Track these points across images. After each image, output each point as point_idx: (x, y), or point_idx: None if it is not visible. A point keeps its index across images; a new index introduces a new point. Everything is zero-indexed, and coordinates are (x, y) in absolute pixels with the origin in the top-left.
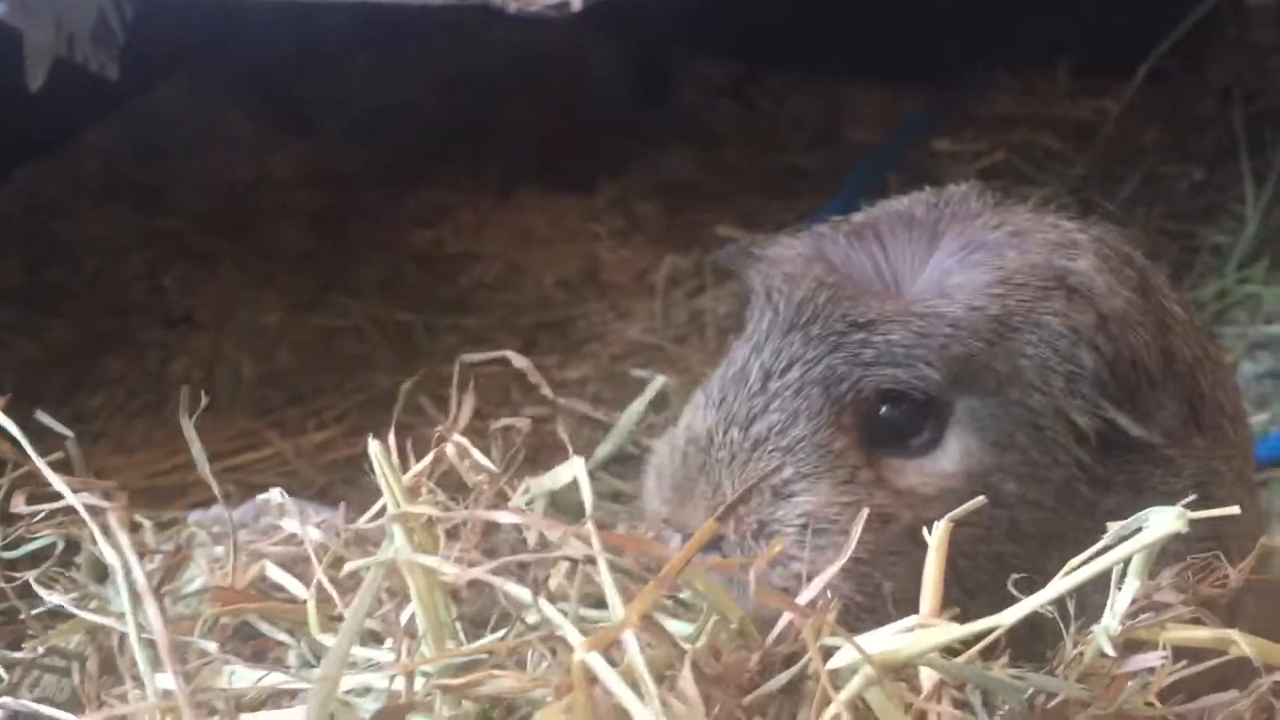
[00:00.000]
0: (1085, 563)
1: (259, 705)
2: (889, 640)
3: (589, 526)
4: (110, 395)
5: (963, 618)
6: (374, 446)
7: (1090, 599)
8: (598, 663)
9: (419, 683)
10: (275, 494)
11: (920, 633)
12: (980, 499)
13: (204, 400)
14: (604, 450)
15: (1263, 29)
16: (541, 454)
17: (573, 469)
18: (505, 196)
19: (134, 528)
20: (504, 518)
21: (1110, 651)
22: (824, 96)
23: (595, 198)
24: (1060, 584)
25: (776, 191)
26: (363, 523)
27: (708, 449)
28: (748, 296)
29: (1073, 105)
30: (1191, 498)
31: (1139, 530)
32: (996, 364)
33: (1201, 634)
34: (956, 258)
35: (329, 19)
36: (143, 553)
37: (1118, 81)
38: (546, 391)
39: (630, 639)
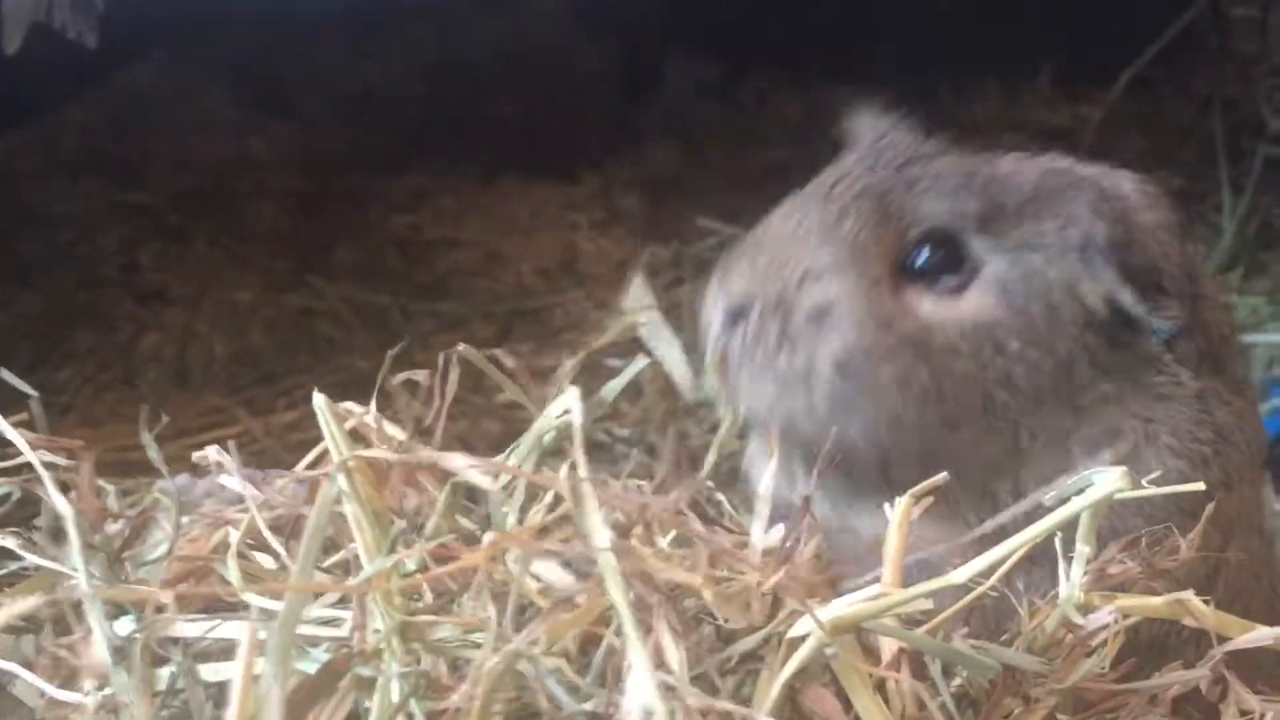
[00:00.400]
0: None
1: (215, 656)
2: (846, 606)
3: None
4: (79, 368)
5: (942, 454)
6: (318, 399)
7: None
8: (611, 566)
9: (370, 637)
10: (211, 451)
11: (877, 600)
12: (943, 475)
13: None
14: (585, 418)
15: (1245, 39)
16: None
17: (568, 399)
18: (486, 184)
19: (98, 493)
20: (456, 461)
21: (1079, 620)
22: (806, 96)
23: (577, 188)
24: (1009, 544)
25: (757, 187)
26: (302, 468)
27: (766, 232)
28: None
29: (1054, 111)
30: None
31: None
32: (1024, 227)
33: (1155, 601)
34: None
35: (312, 0)
36: (105, 516)
37: (1099, 89)
38: (523, 399)
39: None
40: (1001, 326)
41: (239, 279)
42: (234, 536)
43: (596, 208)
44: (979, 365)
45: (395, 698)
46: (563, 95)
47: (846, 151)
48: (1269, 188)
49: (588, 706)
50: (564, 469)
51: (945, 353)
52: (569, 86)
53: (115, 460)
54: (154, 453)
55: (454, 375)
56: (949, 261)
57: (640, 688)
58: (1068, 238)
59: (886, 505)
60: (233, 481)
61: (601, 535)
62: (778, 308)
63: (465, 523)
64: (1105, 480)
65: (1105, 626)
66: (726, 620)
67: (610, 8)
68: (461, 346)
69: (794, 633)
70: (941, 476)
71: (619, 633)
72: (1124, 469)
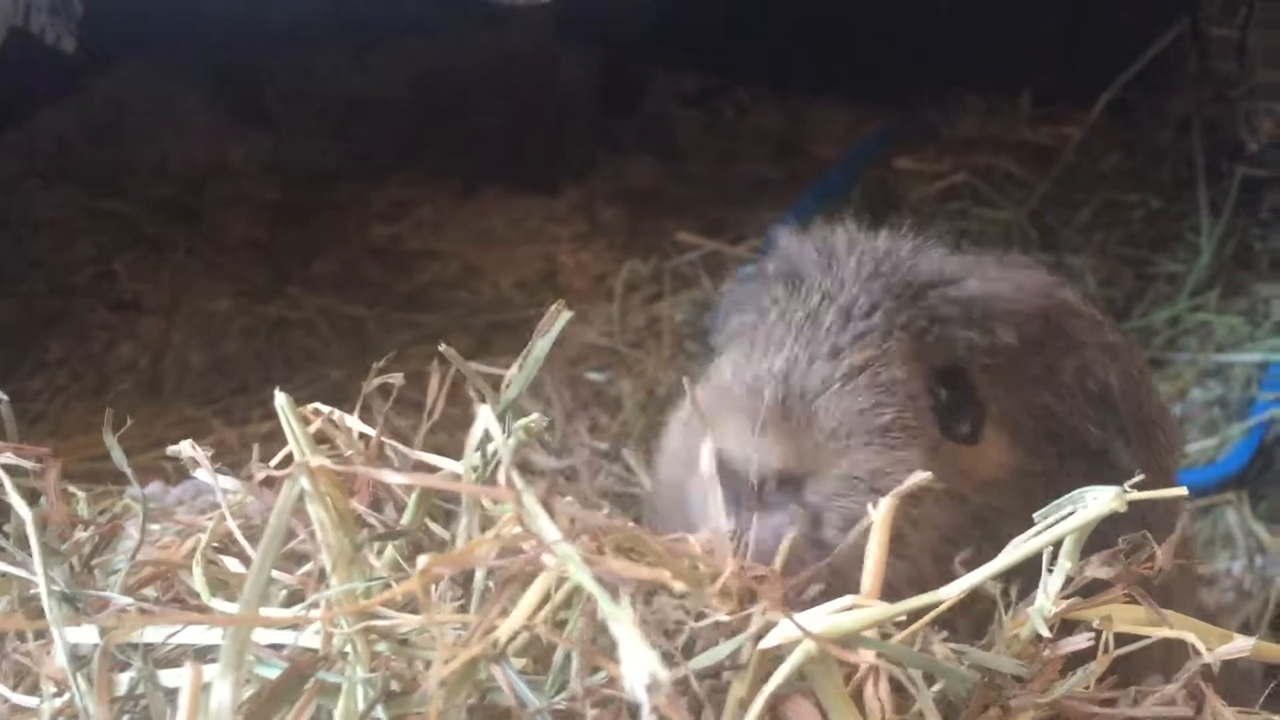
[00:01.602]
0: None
1: (178, 662)
2: (825, 618)
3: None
4: (52, 377)
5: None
6: (280, 398)
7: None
8: (571, 554)
9: (335, 639)
10: (185, 445)
11: (856, 611)
12: (926, 475)
13: (148, 386)
14: (510, 393)
15: (1224, 60)
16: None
17: (482, 420)
18: (467, 196)
19: (67, 499)
20: (441, 466)
21: (1045, 632)
22: (788, 111)
23: (558, 201)
24: (1000, 561)
25: (738, 201)
26: (273, 465)
27: (784, 381)
28: (789, 272)
29: (1034, 131)
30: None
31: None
32: (1035, 361)
33: (1137, 614)
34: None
35: (294, 8)
36: (75, 522)
37: (1079, 109)
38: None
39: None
40: (1027, 476)
41: (215, 288)
42: (202, 542)
43: (577, 220)
44: (1016, 500)
45: (360, 704)
46: (544, 108)
47: (807, 268)
48: (1246, 209)
49: (557, 704)
50: (503, 480)
51: (985, 500)
52: (551, 99)
53: (87, 470)
54: (118, 454)
55: (435, 381)
56: (961, 401)
57: (636, 658)
58: (1086, 385)
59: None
60: (204, 475)
61: (550, 530)
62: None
63: (437, 529)
64: (1100, 500)
65: (1083, 642)
66: (697, 618)
67: (592, 21)
68: (443, 347)
69: (769, 642)
70: (925, 475)
71: (576, 629)
72: (1118, 489)
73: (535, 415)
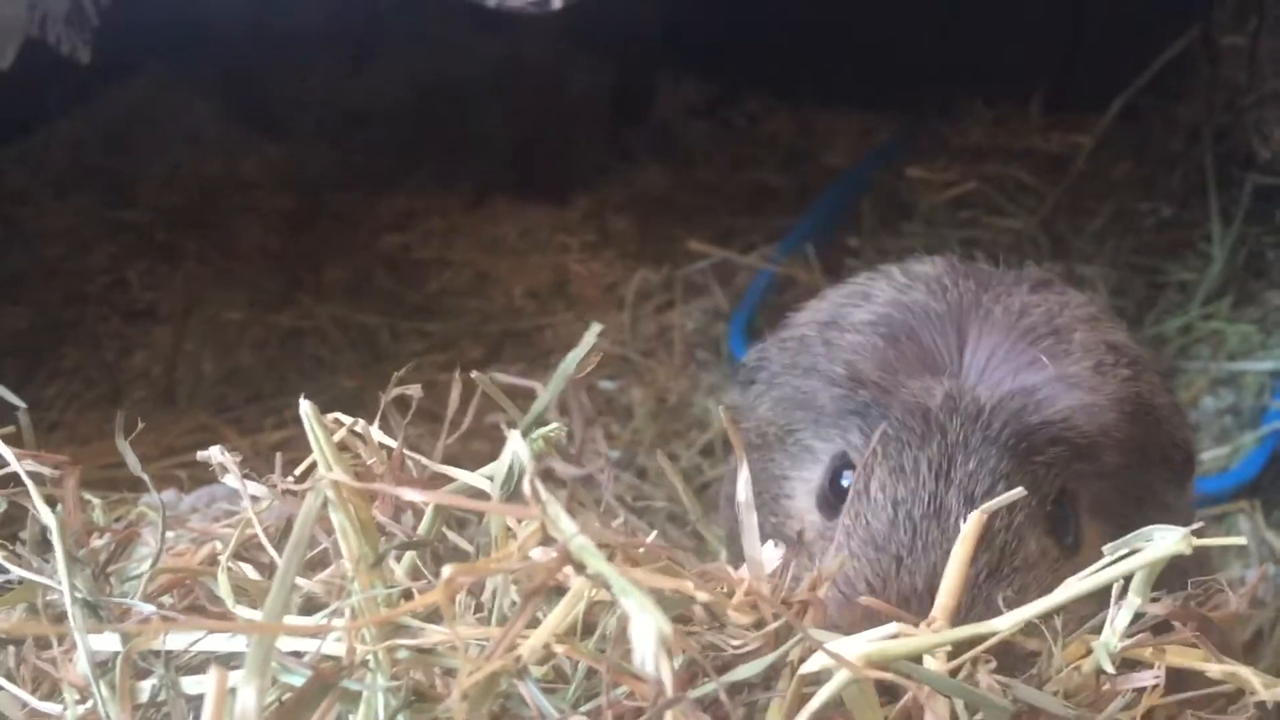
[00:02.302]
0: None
1: (199, 669)
2: (868, 644)
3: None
4: (66, 386)
5: None
6: (305, 405)
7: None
8: (589, 549)
9: (358, 648)
10: (215, 451)
11: (902, 639)
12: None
13: (162, 394)
14: (539, 405)
15: (1235, 68)
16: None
17: (512, 445)
18: (477, 204)
19: (83, 507)
20: (460, 476)
21: (1109, 669)
22: (798, 119)
23: (568, 210)
24: (1061, 596)
25: (748, 210)
26: (294, 478)
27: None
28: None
29: (1045, 139)
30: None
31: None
32: (1127, 451)
33: (1198, 655)
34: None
35: (305, 19)
36: (91, 530)
37: (1090, 117)
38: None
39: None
40: None
41: (228, 297)
42: (222, 549)
43: (587, 229)
44: None
45: (381, 713)
46: (554, 116)
47: (901, 430)
48: (1258, 217)
49: (578, 716)
50: (528, 490)
51: None
52: (560, 108)
53: (101, 478)
54: (132, 459)
55: (454, 394)
56: (1065, 515)
57: (644, 624)
58: (1170, 455)
59: None
60: (233, 481)
61: (568, 525)
62: None
63: (458, 539)
64: (1165, 540)
65: (1149, 679)
66: (732, 641)
67: (602, 29)
68: (475, 374)
69: (809, 667)
70: (1018, 491)
71: (604, 638)
72: (1185, 530)
73: (555, 425)
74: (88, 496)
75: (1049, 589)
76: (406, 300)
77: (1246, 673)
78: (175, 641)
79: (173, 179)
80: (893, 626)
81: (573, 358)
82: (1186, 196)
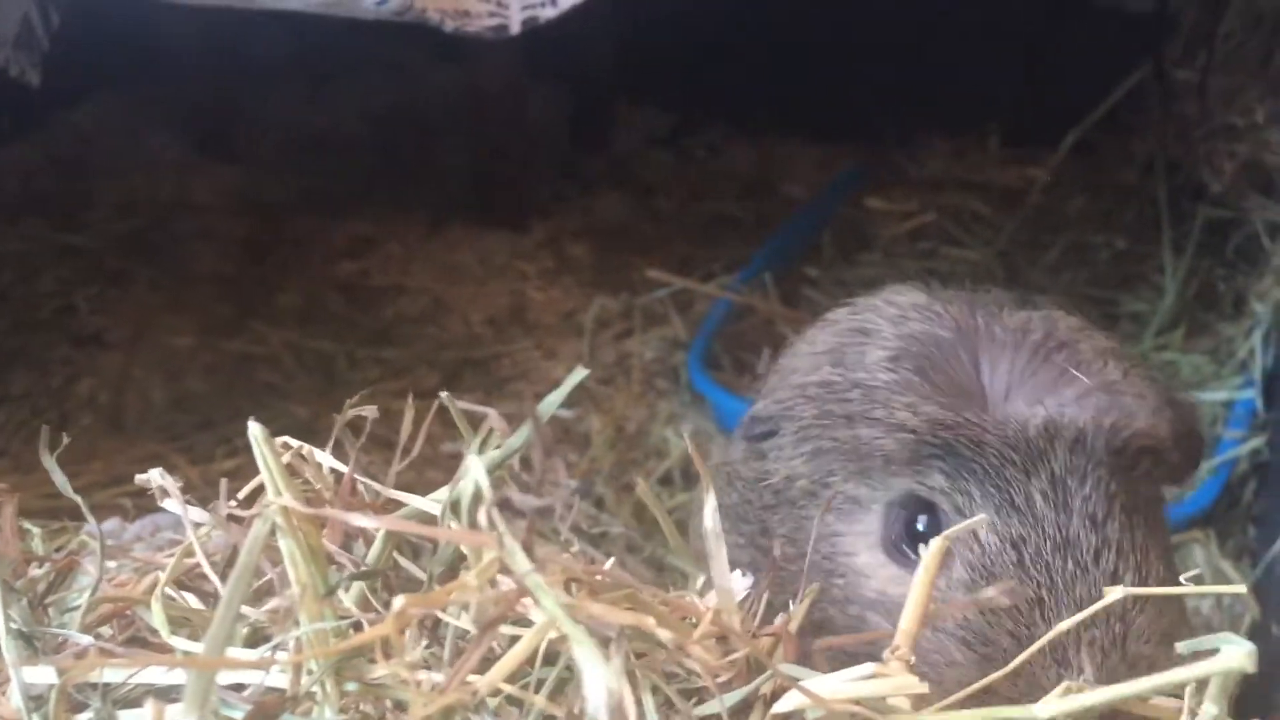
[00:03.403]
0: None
1: (137, 702)
2: (841, 684)
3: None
4: (12, 412)
5: None
6: (254, 428)
7: None
8: (544, 588)
9: (303, 678)
10: (155, 474)
11: (877, 680)
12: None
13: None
14: (516, 440)
15: (1188, 102)
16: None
17: (471, 471)
18: (434, 231)
19: (22, 535)
20: (413, 501)
21: None
22: (758, 150)
23: (526, 237)
24: (1122, 689)
25: (707, 239)
26: (237, 502)
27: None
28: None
29: (1001, 172)
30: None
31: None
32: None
33: None
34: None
35: (262, 44)
36: (30, 559)
37: (1046, 150)
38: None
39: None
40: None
41: (178, 323)
42: (162, 577)
43: (545, 257)
44: None
45: None
46: (513, 144)
47: (994, 462)
48: (1209, 249)
49: None
50: (484, 520)
51: None
52: (519, 136)
53: (47, 506)
54: (60, 478)
55: (408, 419)
56: None
57: (595, 676)
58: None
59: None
60: (173, 505)
61: (523, 560)
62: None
63: (412, 567)
64: (1234, 654)
65: None
66: (698, 674)
67: (561, 58)
68: (444, 395)
69: (780, 707)
70: (980, 518)
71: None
72: (1251, 646)
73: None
74: (26, 525)
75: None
76: (362, 326)
77: None
78: (113, 674)
79: (125, 204)
80: (868, 667)
81: (555, 398)
82: (1140, 229)
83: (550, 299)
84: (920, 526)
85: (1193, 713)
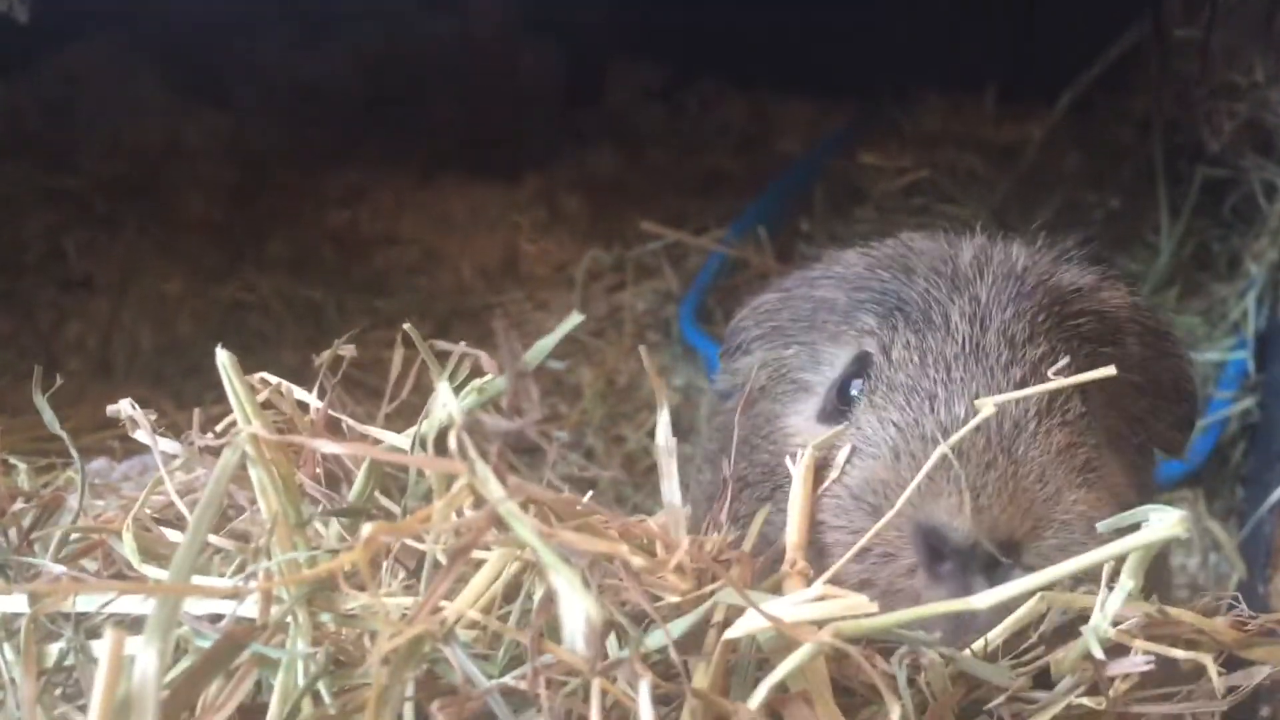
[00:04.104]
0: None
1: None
2: (794, 608)
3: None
4: None
5: None
6: (222, 356)
7: None
8: (516, 514)
9: (274, 607)
10: (125, 405)
11: (829, 602)
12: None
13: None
14: (499, 383)
15: (1186, 60)
16: None
17: (441, 397)
18: (426, 181)
19: (6, 470)
20: (385, 436)
21: (1099, 653)
22: (752, 105)
23: (519, 189)
24: (1049, 574)
25: (700, 193)
26: (212, 434)
27: (982, 436)
28: (895, 304)
29: (997, 129)
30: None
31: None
32: (1141, 371)
33: (1178, 653)
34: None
35: None
36: (15, 494)
37: (1043, 108)
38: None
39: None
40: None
41: (167, 269)
42: (150, 514)
43: (538, 209)
44: None
45: (301, 677)
46: (505, 96)
47: (922, 294)
48: (1205, 210)
49: (508, 680)
50: (453, 445)
51: None
52: (512, 87)
53: (33, 449)
54: (47, 413)
55: (397, 359)
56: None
57: (573, 605)
58: (1182, 388)
59: None
60: (144, 436)
61: (494, 488)
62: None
63: (391, 505)
64: (1163, 521)
65: (1141, 664)
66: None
67: (555, 10)
68: (406, 326)
69: (734, 632)
70: (839, 428)
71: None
72: (1181, 513)
73: (489, 377)
74: (12, 460)
75: (1111, 499)
76: (353, 276)
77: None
78: (86, 604)
79: (114, 148)
80: (816, 588)
81: (548, 342)
82: (1135, 189)
83: (542, 251)
84: (854, 391)
85: (1110, 588)
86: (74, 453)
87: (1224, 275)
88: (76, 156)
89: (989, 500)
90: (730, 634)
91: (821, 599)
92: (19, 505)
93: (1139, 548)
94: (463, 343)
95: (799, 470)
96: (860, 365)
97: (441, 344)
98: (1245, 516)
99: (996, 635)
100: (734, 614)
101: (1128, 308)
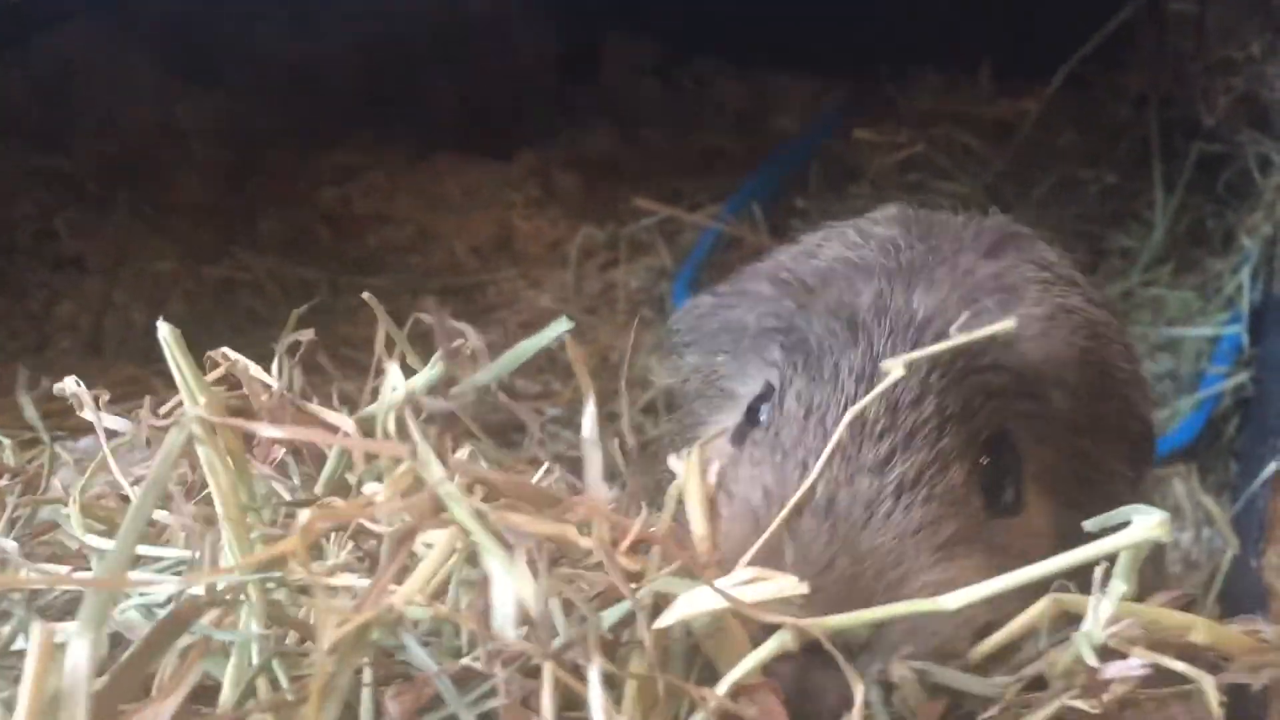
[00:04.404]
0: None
1: (67, 609)
2: (725, 591)
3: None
4: None
5: None
6: (164, 329)
7: None
8: (451, 493)
9: (221, 583)
10: (69, 383)
11: (757, 585)
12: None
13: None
14: (481, 378)
15: (1182, 35)
16: None
17: (391, 377)
18: (419, 160)
19: None
20: (329, 417)
21: (1092, 660)
22: (748, 83)
23: (512, 166)
24: (1022, 574)
25: (695, 171)
26: (163, 412)
27: (830, 514)
28: (797, 343)
29: (992, 105)
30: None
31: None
32: (1079, 410)
33: (1178, 666)
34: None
35: None
36: (1, 472)
37: (1038, 84)
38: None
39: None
40: (1060, 528)
41: (159, 249)
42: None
43: (532, 186)
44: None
45: (255, 658)
46: (499, 73)
47: (824, 338)
48: (1200, 186)
49: (462, 664)
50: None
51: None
52: (506, 64)
53: (24, 429)
54: (28, 406)
55: (382, 332)
56: (1005, 468)
57: (503, 587)
58: (1128, 426)
59: None
60: (90, 415)
61: (435, 469)
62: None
63: (351, 479)
64: (1146, 521)
65: (1137, 668)
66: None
67: None
68: (365, 295)
69: (664, 621)
70: (721, 429)
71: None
72: (1164, 514)
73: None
74: None
75: (972, 574)
76: (346, 255)
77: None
78: (38, 581)
79: (106, 129)
80: (747, 571)
81: (532, 344)
82: (1130, 165)
83: (536, 228)
84: (761, 416)
85: (1102, 592)
86: (45, 439)
87: (1219, 250)
88: (68, 137)
89: (831, 596)
90: (660, 622)
91: (754, 581)
92: (4, 480)
93: (1129, 547)
94: (469, 328)
95: (684, 468)
96: (767, 392)
97: (424, 315)
98: (1238, 491)
99: (993, 643)
100: (664, 601)
101: (1055, 359)
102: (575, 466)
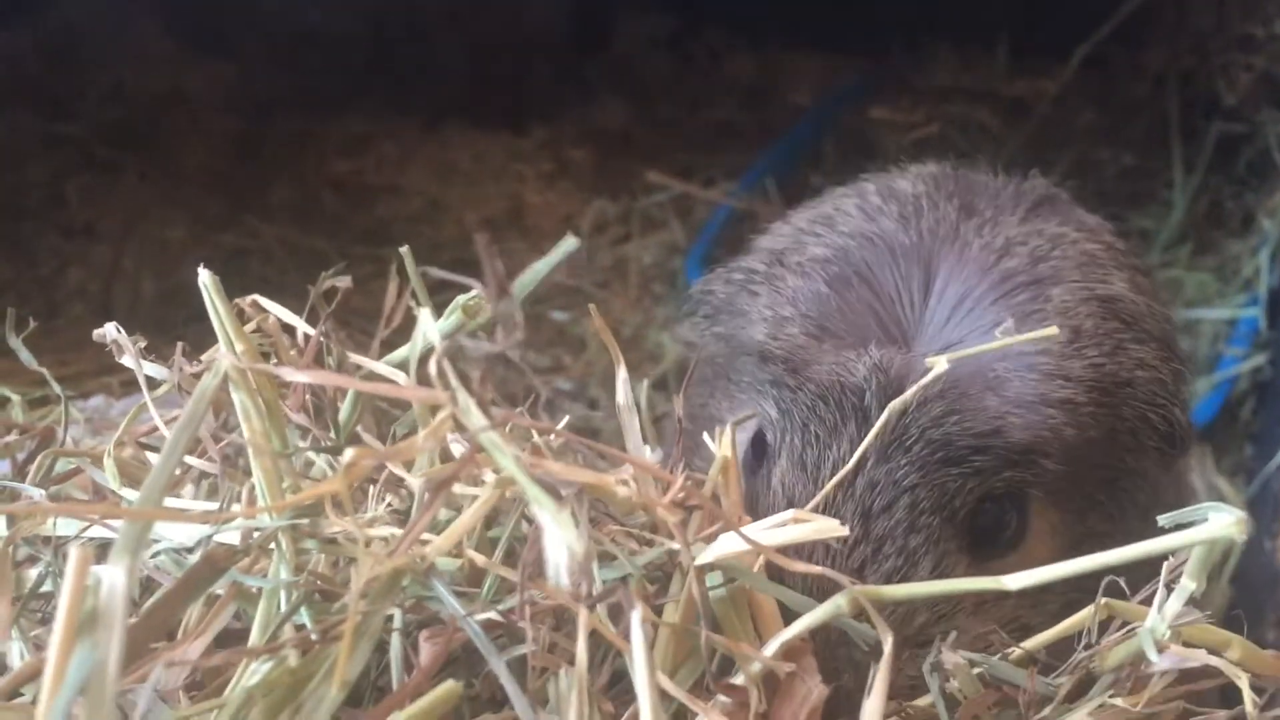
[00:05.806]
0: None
1: (98, 560)
2: (765, 533)
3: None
4: None
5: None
6: (204, 275)
7: None
8: (495, 442)
9: (258, 526)
10: (110, 329)
11: (797, 526)
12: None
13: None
14: (483, 305)
15: (1202, 14)
16: None
17: (423, 323)
18: (430, 131)
19: (3, 404)
20: (371, 365)
21: (1154, 656)
22: (761, 58)
23: (524, 139)
24: (1074, 565)
25: (707, 146)
26: (204, 360)
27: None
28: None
29: (1010, 84)
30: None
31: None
32: (1092, 434)
33: (1224, 665)
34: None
35: None
36: (10, 427)
37: (1056, 63)
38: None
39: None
40: (1084, 541)
41: (170, 216)
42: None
43: (544, 159)
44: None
45: (284, 604)
46: (511, 45)
47: (820, 410)
48: (1219, 166)
49: (491, 615)
50: (434, 372)
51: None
52: (518, 37)
53: (35, 391)
54: (24, 353)
55: (392, 288)
56: (1002, 511)
57: (556, 537)
58: (1150, 420)
59: None
60: (129, 361)
61: (476, 417)
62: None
63: (369, 438)
64: (1220, 520)
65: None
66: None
67: None
68: (403, 249)
69: (705, 558)
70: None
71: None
72: (1244, 514)
73: (474, 294)
74: (6, 393)
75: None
76: (356, 225)
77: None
78: (67, 528)
79: (115, 95)
80: (788, 513)
81: (542, 265)
82: (1149, 145)
83: (548, 202)
84: (768, 438)
85: (1169, 588)
86: (55, 386)
87: (1237, 231)
88: (78, 104)
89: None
90: (702, 559)
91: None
92: (14, 436)
93: (1197, 543)
94: (476, 284)
95: (721, 447)
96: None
97: (437, 271)
98: (1253, 473)
99: (1047, 639)
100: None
101: (1044, 438)
102: (587, 437)
